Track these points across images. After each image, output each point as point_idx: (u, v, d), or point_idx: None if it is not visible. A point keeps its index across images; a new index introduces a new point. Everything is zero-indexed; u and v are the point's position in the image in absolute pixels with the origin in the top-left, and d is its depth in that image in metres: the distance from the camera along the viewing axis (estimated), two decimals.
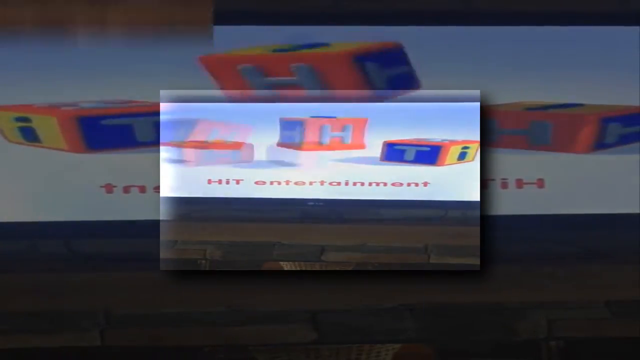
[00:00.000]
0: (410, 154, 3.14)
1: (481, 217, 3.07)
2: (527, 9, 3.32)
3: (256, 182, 3.18)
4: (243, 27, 3.28)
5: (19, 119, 3.27)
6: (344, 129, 3.16)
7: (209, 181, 3.18)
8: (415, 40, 3.31)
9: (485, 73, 3.29)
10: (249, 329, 3.15)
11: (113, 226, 3.27)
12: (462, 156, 3.12)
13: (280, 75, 3.30)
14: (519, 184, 3.35)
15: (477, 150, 3.11)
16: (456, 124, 3.13)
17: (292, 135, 3.17)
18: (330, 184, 3.17)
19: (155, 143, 3.17)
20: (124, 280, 3.13)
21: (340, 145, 3.17)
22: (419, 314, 3.19)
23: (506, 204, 3.31)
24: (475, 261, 3.04)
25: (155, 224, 3.08)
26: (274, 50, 3.31)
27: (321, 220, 3.18)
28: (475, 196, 3.10)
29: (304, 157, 3.17)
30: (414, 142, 3.14)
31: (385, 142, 3.14)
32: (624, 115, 3.37)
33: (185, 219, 3.16)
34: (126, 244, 3.22)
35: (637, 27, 3.35)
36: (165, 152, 3.15)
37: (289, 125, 3.17)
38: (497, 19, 3.33)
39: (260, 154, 3.18)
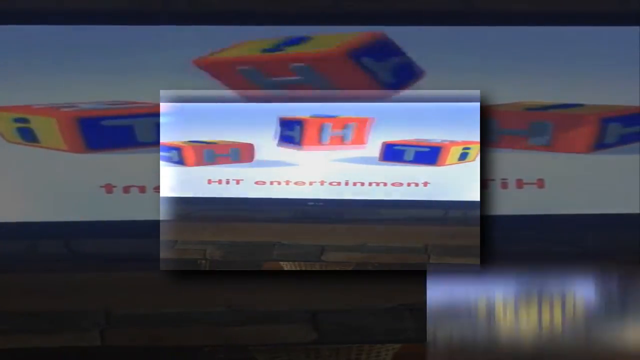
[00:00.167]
0: (409, 154, 3.13)
1: (481, 217, 3.07)
2: (527, 9, 3.32)
3: (256, 182, 3.18)
4: (243, 28, 3.29)
5: (17, 120, 3.27)
6: (345, 127, 3.16)
7: (209, 181, 3.18)
8: (416, 40, 3.31)
9: (485, 73, 3.30)
10: (249, 329, 3.14)
11: (113, 226, 3.27)
12: (463, 157, 3.12)
13: (280, 75, 3.30)
14: (519, 184, 3.35)
15: (478, 150, 3.11)
16: (456, 124, 3.13)
17: (291, 134, 3.17)
18: (330, 184, 3.17)
19: (156, 143, 3.17)
20: (124, 280, 3.13)
21: (341, 143, 3.17)
22: (419, 314, 3.19)
23: (506, 204, 3.31)
24: (475, 261, 3.04)
25: (155, 224, 3.08)
26: (264, 50, 3.31)
27: (321, 220, 3.18)
28: (475, 196, 3.10)
29: (304, 156, 3.17)
30: (413, 143, 3.14)
31: (384, 142, 3.14)
32: (624, 115, 3.37)
33: (185, 219, 3.16)
34: (126, 244, 3.22)
35: (637, 27, 3.35)
36: (165, 152, 3.15)
37: (288, 125, 3.17)
38: (497, 19, 3.33)
39: (260, 154, 3.18)
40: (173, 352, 3.16)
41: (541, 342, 3.16)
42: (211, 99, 3.23)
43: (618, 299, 3.11)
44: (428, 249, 3.16)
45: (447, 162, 3.13)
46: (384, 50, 3.31)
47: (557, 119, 3.36)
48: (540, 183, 3.35)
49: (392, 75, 3.32)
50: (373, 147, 3.15)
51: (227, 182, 3.18)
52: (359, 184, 3.16)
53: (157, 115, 3.15)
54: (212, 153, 3.17)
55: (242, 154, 3.18)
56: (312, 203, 3.17)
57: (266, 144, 3.18)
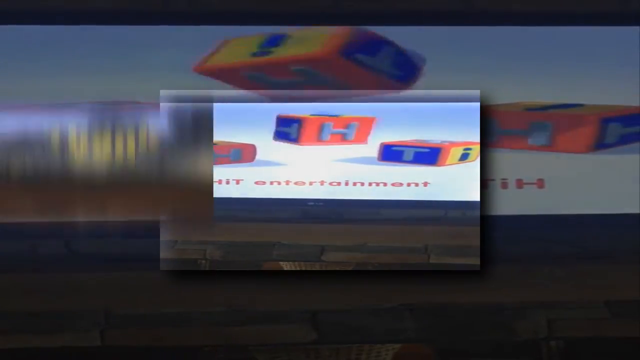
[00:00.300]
0: (409, 155, 3.13)
1: (481, 217, 3.07)
2: (527, 9, 3.32)
3: (256, 182, 3.18)
4: (244, 28, 3.29)
5: None
6: (348, 127, 3.16)
7: None
8: (415, 40, 3.31)
9: (485, 73, 3.29)
10: (249, 329, 3.15)
11: (113, 226, 3.27)
12: (464, 157, 3.12)
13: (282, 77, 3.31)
14: (519, 184, 3.35)
15: (478, 151, 3.11)
16: (456, 124, 3.13)
17: (288, 131, 3.17)
18: (330, 184, 3.17)
19: None
20: (124, 280, 3.13)
21: (340, 141, 3.17)
22: (419, 314, 3.19)
23: (506, 204, 3.31)
24: (475, 261, 3.04)
25: (155, 224, 3.08)
26: (253, 54, 3.31)
27: (321, 220, 3.18)
28: (475, 196, 3.10)
29: (304, 156, 3.17)
30: (411, 144, 3.14)
31: (382, 143, 3.14)
32: (624, 115, 3.37)
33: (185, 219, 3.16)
34: (126, 244, 3.22)
35: (637, 27, 3.35)
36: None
37: (286, 122, 3.17)
38: (497, 19, 3.33)
39: (261, 154, 3.18)
40: (173, 352, 3.15)
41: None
42: (212, 99, 3.22)
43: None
44: (428, 249, 3.16)
45: (447, 163, 3.13)
46: (372, 44, 3.31)
47: (557, 119, 3.36)
48: (540, 183, 3.35)
49: (393, 66, 3.32)
50: (372, 147, 3.16)
51: (227, 182, 3.18)
52: (359, 184, 3.17)
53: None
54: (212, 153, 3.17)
55: (243, 154, 3.18)
56: (312, 203, 3.17)
57: (267, 144, 3.18)
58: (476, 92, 3.11)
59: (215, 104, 3.20)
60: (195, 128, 3.02)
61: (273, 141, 3.18)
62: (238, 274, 3.14)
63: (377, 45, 3.32)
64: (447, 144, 3.13)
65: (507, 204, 3.32)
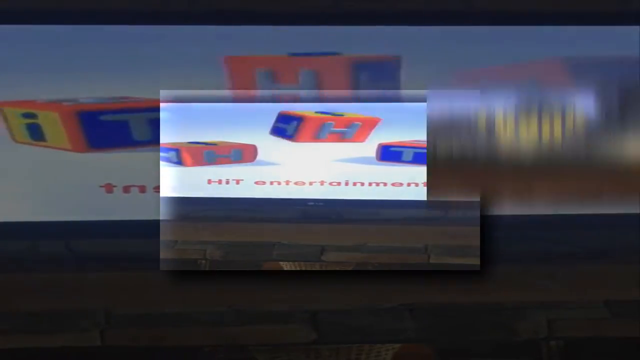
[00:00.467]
0: (408, 155, 3.13)
1: (481, 217, 3.07)
2: (527, 9, 3.31)
3: (256, 182, 3.18)
4: (243, 27, 3.29)
5: (25, 115, 3.26)
6: (349, 126, 3.16)
7: (209, 181, 3.18)
8: (415, 40, 3.31)
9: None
10: (249, 329, 3.15)
11: (113, 226, 3.27)
12: None
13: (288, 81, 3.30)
14: None
15: None
16: None
17: (284, 127, 3.17)
18: (330, 184, 3.17)
19: (156, 142, 3.17)
20: (124, 280, 3.14)
21: (339, 140, 3.17)
22: (419, 314, 3.19)
23: (506, 204, 3.31)
24: (475, 261, 3.04)
25: (155, 224, 3.09)
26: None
27: (321, 220, 3.18)
28: (475, 196, 3.10)
29: (304, 156, 3.17)
30: (409, 144, 3.14)
31: (379, 144, 3.14)
32: None
33: (185, 219, 3.16)
34: (126, 244, 3.22)
35: (637, 27, 3.35)
36: (165, 152, 3.15)
37: (285, 119, 3.17)
38: (497, 19, 3.33)
39: (261, 154, 3.19)
40: (173, 352, 3.16)
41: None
42: (211, 99, 3.23)
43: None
44: (428, 249, 3.16)
45: None
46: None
47: None
48: None
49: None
50: (371, 146, 3.15)
51: (227, 182, 3.18)
52: (359, 184, 3.17)
53: (156, 110, 3.14)
54: (212, 154, 3.17)
55: (243, 154, 3.18)
56: (312, 203, 3.17)
57: (267, 144, 3.18)
58: (476, 92, 3.11)
59: (215, 104, 3.22)
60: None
61: (269, 135, 3.17)
62: (238, 274, 3.14)
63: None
64: None
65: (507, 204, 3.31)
